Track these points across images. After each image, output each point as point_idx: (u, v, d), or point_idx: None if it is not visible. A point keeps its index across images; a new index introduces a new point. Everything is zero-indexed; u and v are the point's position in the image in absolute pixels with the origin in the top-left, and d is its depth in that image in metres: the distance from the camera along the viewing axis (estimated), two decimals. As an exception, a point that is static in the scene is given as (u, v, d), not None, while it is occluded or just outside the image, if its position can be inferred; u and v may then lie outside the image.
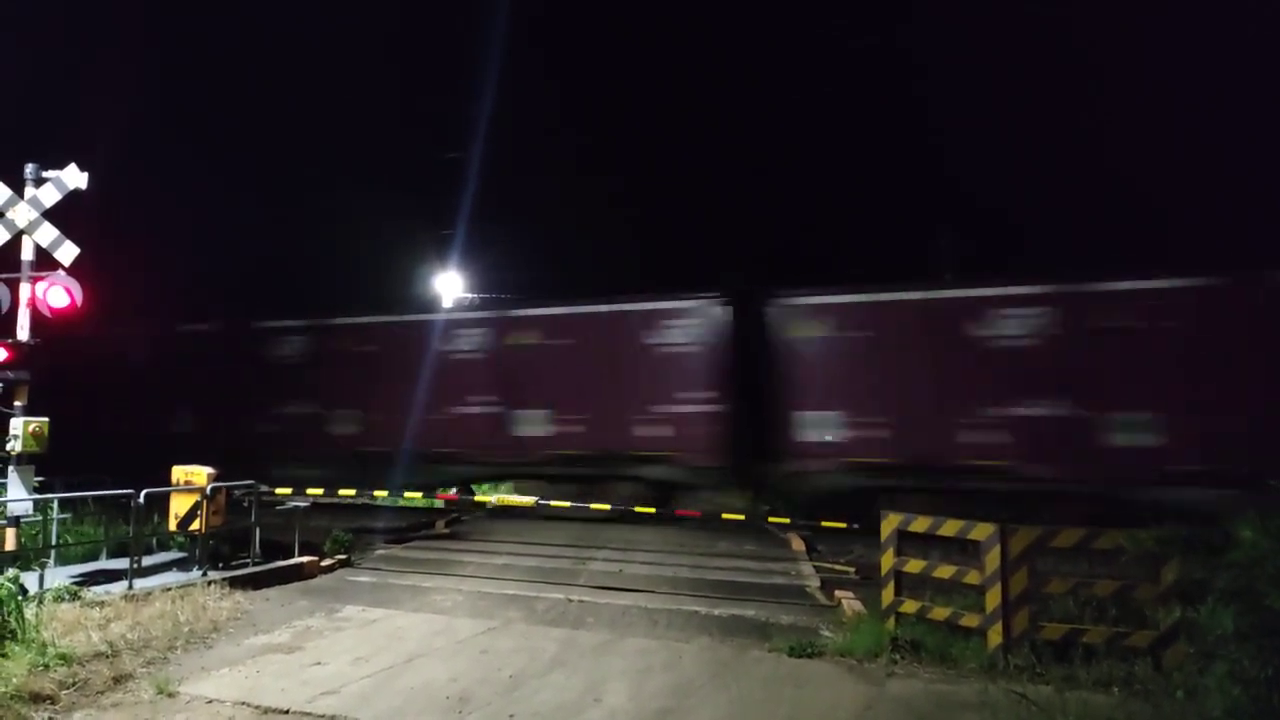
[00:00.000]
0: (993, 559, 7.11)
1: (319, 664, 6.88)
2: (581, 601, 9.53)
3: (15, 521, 9.11)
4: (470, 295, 27.84)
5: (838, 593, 9.75)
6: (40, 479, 9.56)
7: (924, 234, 22.73)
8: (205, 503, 9.92)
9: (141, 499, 9.17)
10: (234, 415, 18.87)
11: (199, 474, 10.18)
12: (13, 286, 9.75)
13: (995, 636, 6.99)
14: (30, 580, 8.04)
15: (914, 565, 7.87)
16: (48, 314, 9.70)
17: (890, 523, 7.94)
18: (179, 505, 10.10)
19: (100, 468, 11.68)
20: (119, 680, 6.27)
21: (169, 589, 8.74)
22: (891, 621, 7.69)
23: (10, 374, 9.39)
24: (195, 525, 9.96)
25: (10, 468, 9.31)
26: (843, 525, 14.48)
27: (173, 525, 10.17)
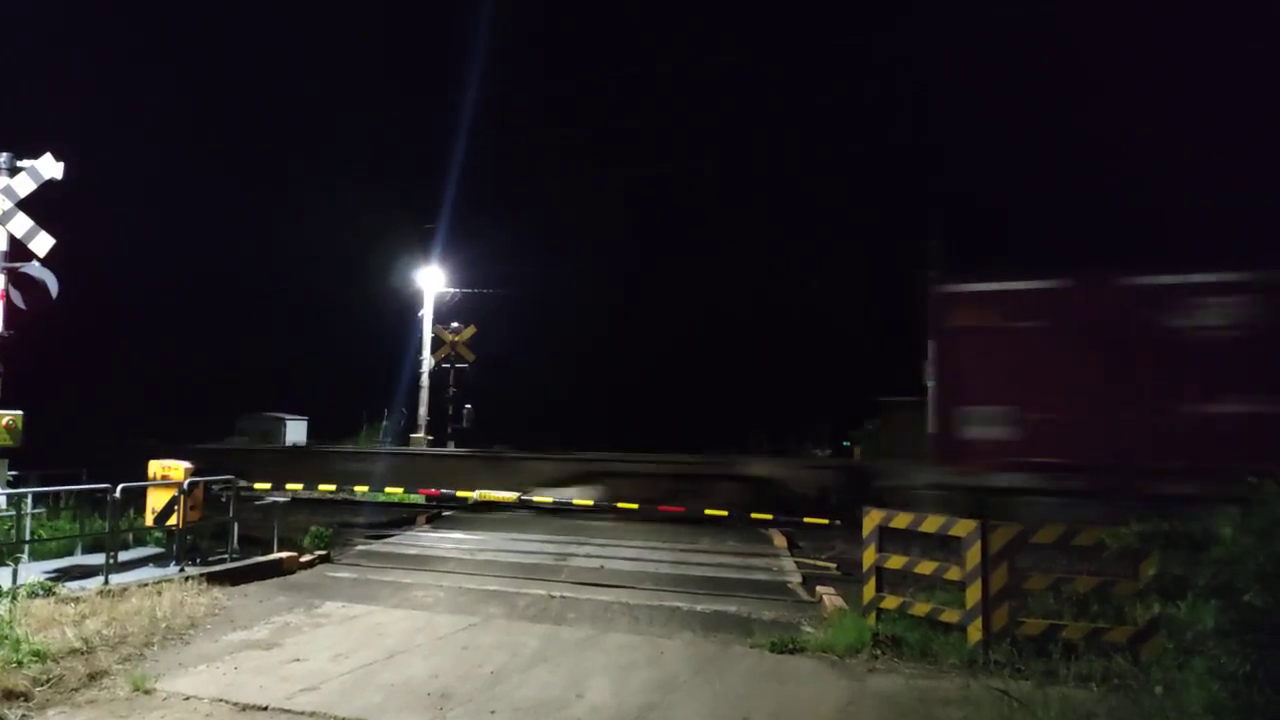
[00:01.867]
0: (973, 555, 7.14)
1: (298, 660, 6.82)
2: (563, 597, 9.50)
3: (-12, 516, 8.98)
4: (453, 290, 27.67)
5: (819, 588, 9.77)
6: (14, 473, 9.42)
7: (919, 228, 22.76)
8: (183, 497, 9.80)
9: (118, 493, 9.05)
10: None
11: (176, 469, 10.07)
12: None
13: (975, 632, 7.02)
14: (3, 576, 7.91)
15: (895, 561, 7.90)
16: (21, 305, 9.55)
17: (872, 519, 7.96)
18: (156, 500, 9.98)
19: None
20: (94, 677, 6.18)
21: (146, 585, 8.62)
22: (873, 617, 7.72)
23: None
24: (172, 520, 9.84)
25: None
26: (824, 521, 14.56)
27: (149, 520, 10.05)
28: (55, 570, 9.15)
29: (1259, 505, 4.49)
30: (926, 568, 7.73)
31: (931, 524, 7.61)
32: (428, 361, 26.47)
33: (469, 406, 27.33)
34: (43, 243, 9.63)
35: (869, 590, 7.87)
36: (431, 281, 27.08)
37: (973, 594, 7.11)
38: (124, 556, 9.83)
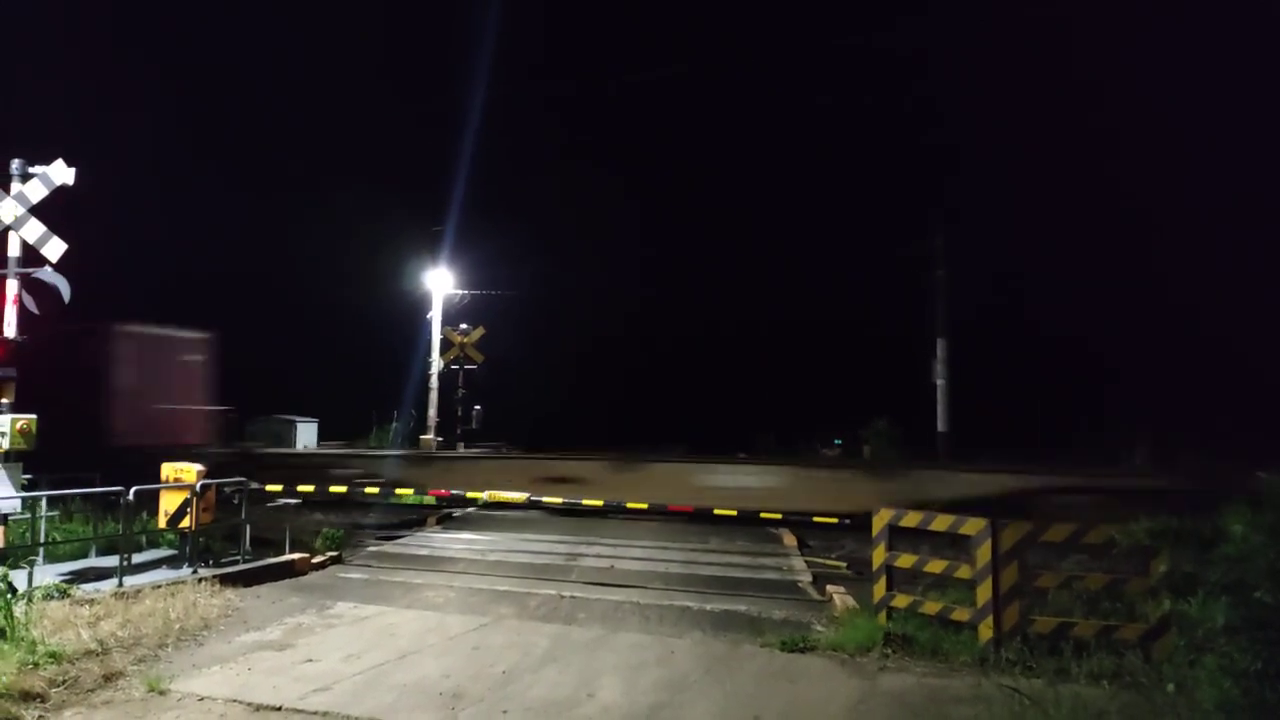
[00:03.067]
0: (983, 553, 7.13)
1: (311, 661, 6.86)
2: (574, 597, 9.52)
3: (3, 519, 9.03)
4: (462, 292, 27.72)
5: (829, 588, 9.77)
6: (28, 476, 9.48)
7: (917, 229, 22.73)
8: (195, 500, 9.86)
9: (131, 496, 9.12)
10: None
11: (189, 471, 10.13)
12: (-1, 283, 9.66)
13: (986, 630, 7.01)
14: (19, 578, 7.97)
15: (905, 560, 7.90)
16: (35, 311, 9.62)
17: (882, 518, 7.97)
18: (169, 502, 10.04)
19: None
20: (109, 678, 6.23)
21: (159, 586, 8.69)
22: (883, 616, 7.72)
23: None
24: (185, 522, 9.90)
25: (-2, 465, 9.23)
26: (834, 520, 14.56)
27: (162, 522, 10.11)
28: (70, 572, 9.22)
29: (1269, 502, 4.48)
30: (937, 566, 7.72)
31: (941, 522, 7.60)
32: (437, 363, 26.54)
33: (478, 408, 27.38)
34: (55, 248, 9.68)
35: (879, 589, 7.87)
36: (440, 283, 27.13)
37: (983, 592, 7.10)
38: (138, 559, 9.90)
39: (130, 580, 8.81)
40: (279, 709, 5.77)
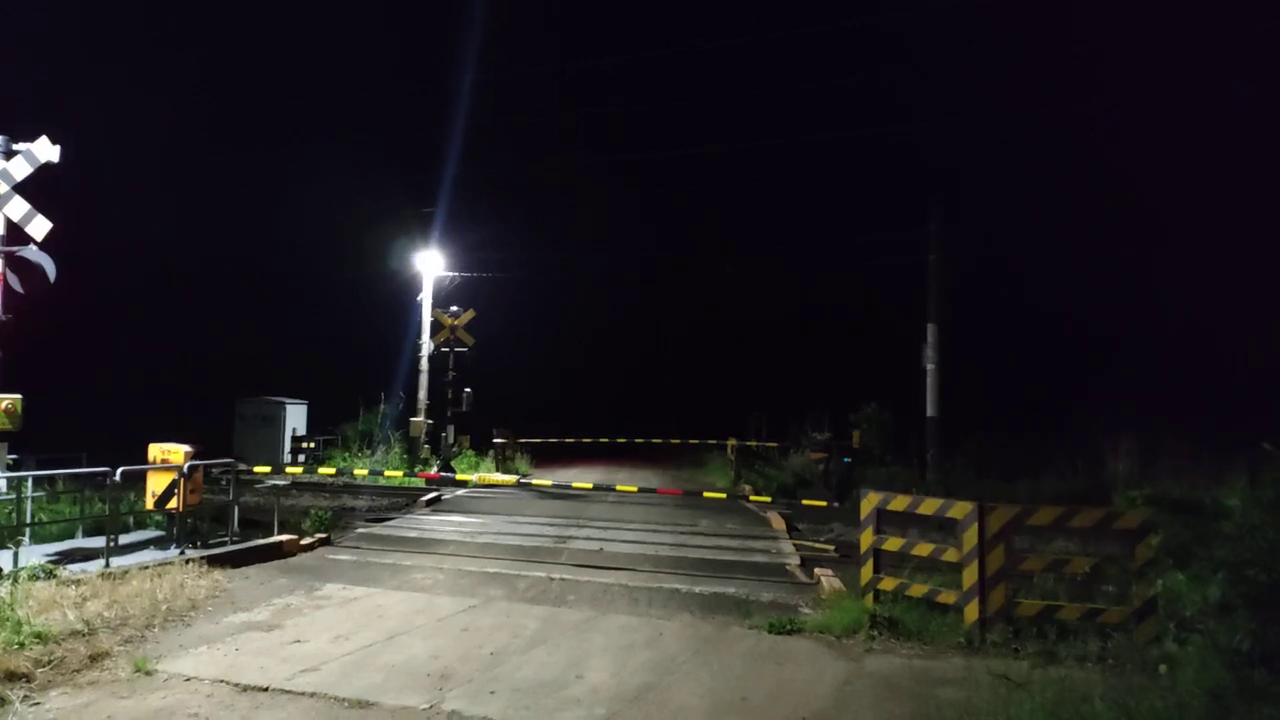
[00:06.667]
0: (970, 536, 7.17)
1: (299, 642, 6.85)
2: (563, 580, 9.54)
3: (-12, 499, 8.99)
4: (452, 274, 27.59)
5: (817, 570, 9.81)
6: (13, 456, 9.43)
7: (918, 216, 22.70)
8: (183, 481, 9.82)
9: (118, 477, 9.07)
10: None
11: (176, 452, 10.08)
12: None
13: (972, 613, 7.06)
14: (4, 558, 7.94)
15: (892, 543, 7.94)
16: (19, 290, 9.54)
17: (870, 501, 7.99)
18: (156, 483, 10.00)
19: None
20: (96, 658, 6.22)
21: (146, 567, 8.66)
22: (870, 598, 7.76)
23: None
24: (173, 503, 9.86)
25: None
26: (823, 504, 14.63)
27: (150, 503, 10.07)
28: (56, 553, 9.18)
29: (1269, 477, 4.45)
30: (924, 549, 7.76)
31: (929, 506, 7.63)
32: (427, 345, 26.41)
33: (468, 390, 27.28)
34: (40, 226, 9.60)
35: (866, 572, 7.91)
36: (430, 265, 26.98)
37: (970, 575, 7.14)
38: (124, 539, 9.87)
39: (117, 561, 8.78)
40: (266, 689, 5.77)
